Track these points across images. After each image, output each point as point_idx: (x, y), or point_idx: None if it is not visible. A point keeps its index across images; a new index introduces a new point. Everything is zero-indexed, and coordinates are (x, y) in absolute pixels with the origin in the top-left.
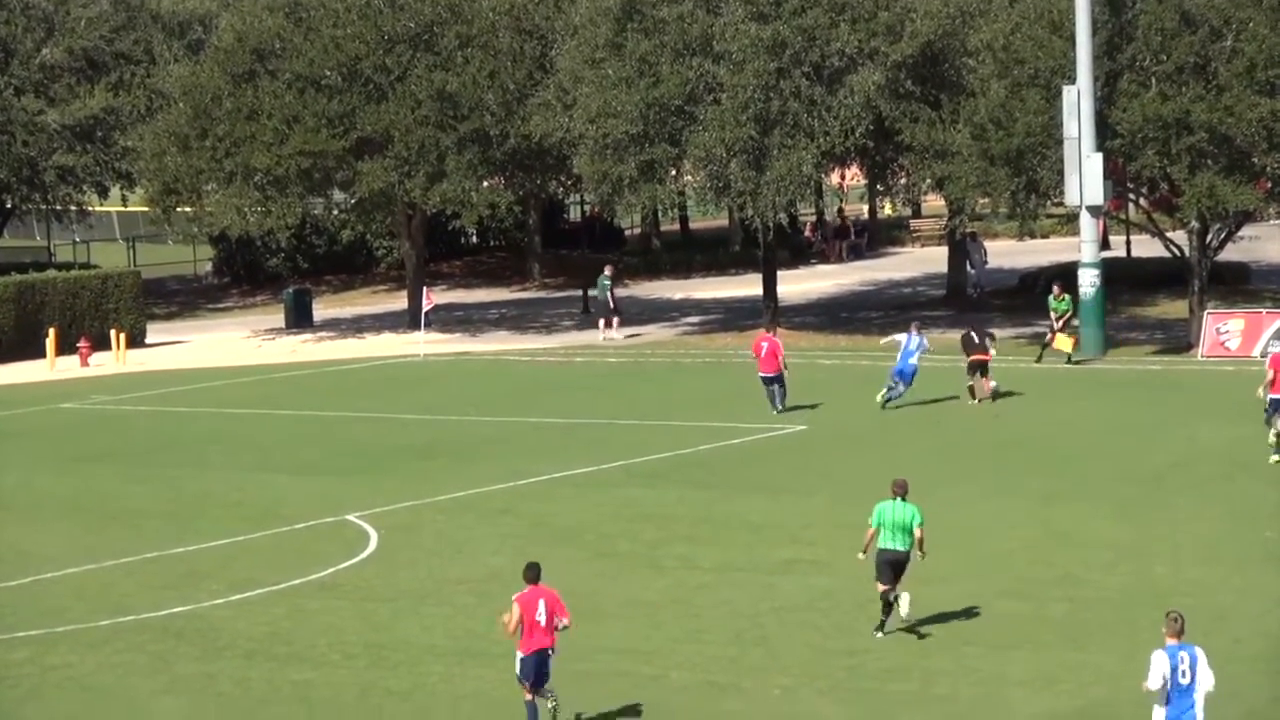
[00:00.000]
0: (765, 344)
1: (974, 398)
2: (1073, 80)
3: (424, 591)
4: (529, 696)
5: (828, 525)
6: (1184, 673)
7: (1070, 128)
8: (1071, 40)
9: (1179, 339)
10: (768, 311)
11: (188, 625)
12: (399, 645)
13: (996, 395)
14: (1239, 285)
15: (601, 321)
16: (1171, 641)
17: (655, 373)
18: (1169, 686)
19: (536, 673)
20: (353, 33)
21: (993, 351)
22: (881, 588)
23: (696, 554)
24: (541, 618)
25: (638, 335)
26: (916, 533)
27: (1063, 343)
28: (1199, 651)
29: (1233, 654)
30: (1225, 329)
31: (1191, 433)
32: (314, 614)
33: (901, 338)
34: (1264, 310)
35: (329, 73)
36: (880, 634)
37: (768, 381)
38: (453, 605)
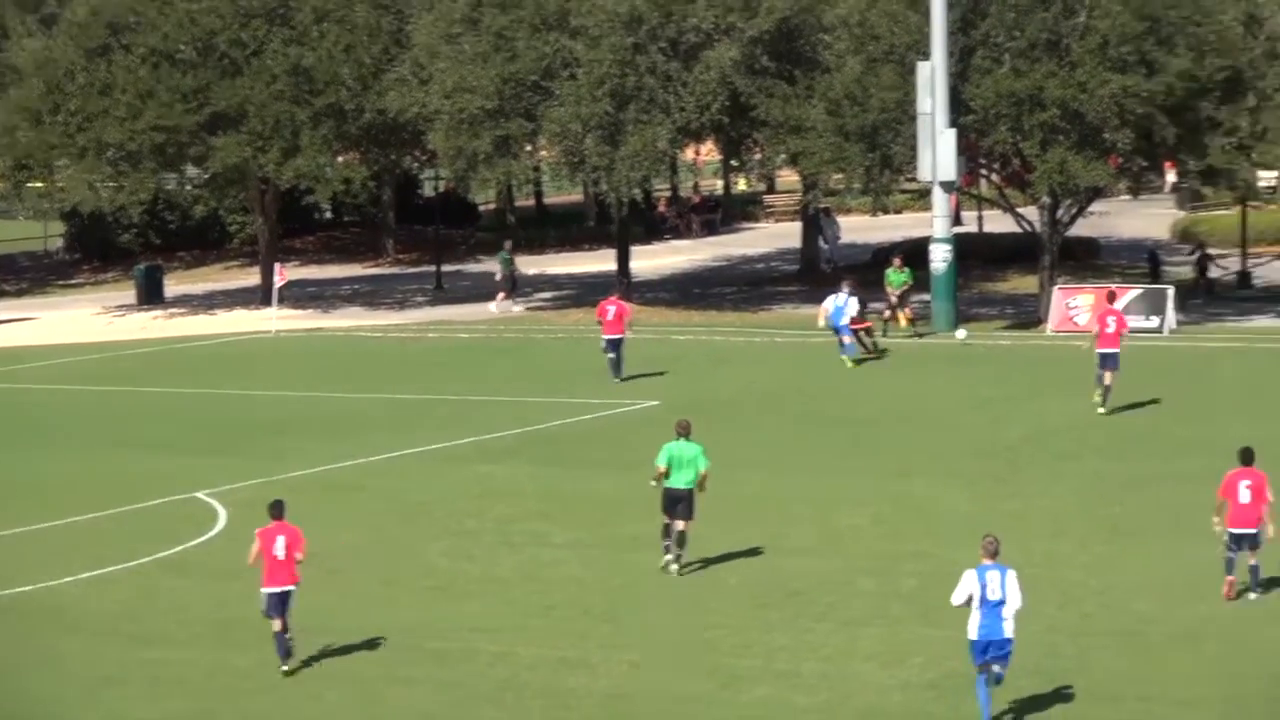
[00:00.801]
0: (613, 307)
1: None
2: (927, 56)
3: None
4: (276, 629)
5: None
6: (993, 590)
7: (924, 103)
8: (926, 16)
9: (1029, 314)
10: (620, 284)
11: (37, 604)
12: (247, 624)
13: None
14: (1089, 261)
15: (500, 295)
16: (985, 562)
17: (508, 348)
18: (978, 602)
19: (281, 607)
20: (208, 7)
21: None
22: (671, 522)
23: (547, 530)
24: (280, 552)
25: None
26: (701, 471)
27: (900, 319)
28: (1011, 572)
29: (1081, 629)
30: (1075, 304)
31: (1041, 407)
32: (163, 592)
33: (830, 302)
34: (1113, 286)
35: (184, 47)
36: (674, 565)
37: (612, 345)
38: (302, 583)
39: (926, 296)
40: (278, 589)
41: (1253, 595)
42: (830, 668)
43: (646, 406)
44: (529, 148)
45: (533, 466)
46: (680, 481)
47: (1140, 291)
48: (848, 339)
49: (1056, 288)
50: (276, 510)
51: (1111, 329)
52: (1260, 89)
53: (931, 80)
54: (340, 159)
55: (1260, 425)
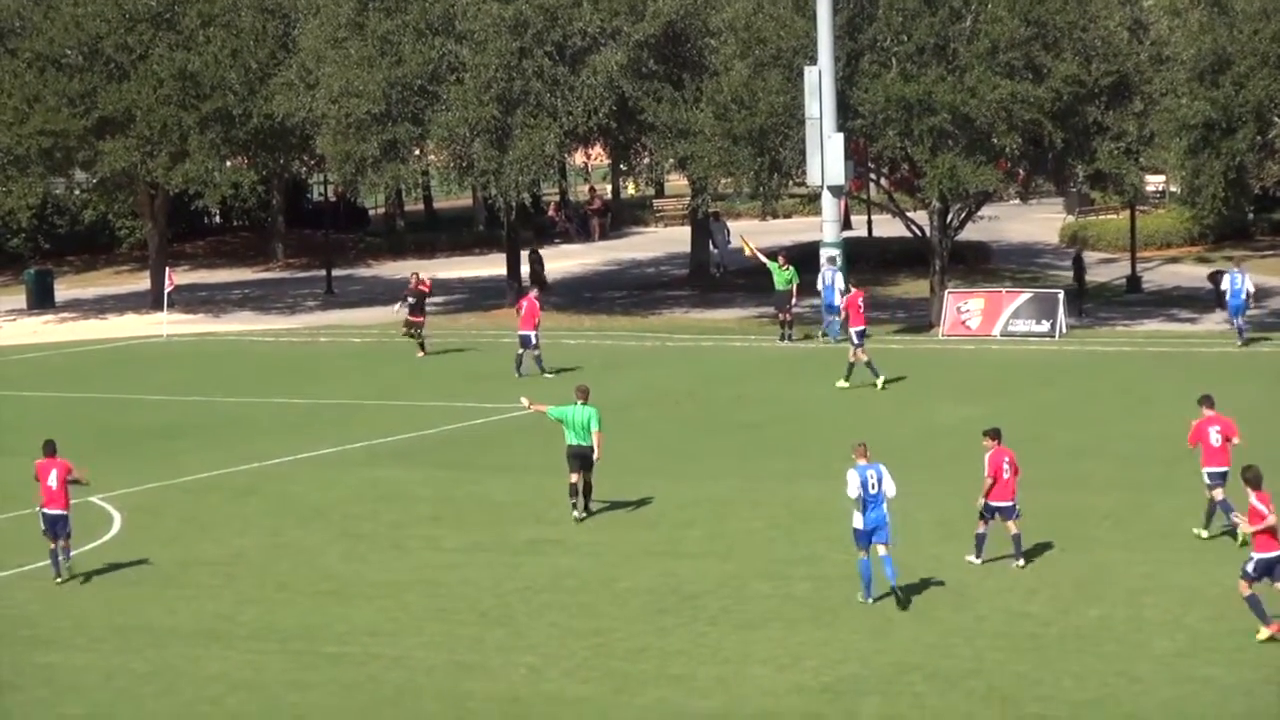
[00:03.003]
0: (525, 303)
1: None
2: (814, 60)
3: (168, 574)
4: (52, 546)
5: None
6: (872, 485)
7: (812, 108)
8: (813, 20)
9: (920, 318)
10: (511, 291)
11: None
12: (143, 628)
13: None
14: (980, 265)
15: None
16: (861, 462)
17: (399, 353)
18: (864, 497)
19: (55, 529)
20: (94, 11)
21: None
22: (573, 477)
23: (440, 534)
24: (54, 483)
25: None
26: (595, 435)
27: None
28: (883, 468)
29: (976, 630)
30: (966, 308)
31: (930, 410)
32: (59, 597)
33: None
34: (1003, 290)
35: (70, 51)
36: (578, 515)
37: (524, 342)
38: (196, 587)
39: (817, 301)
40: (52, 511)
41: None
42: (726, 671)
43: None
44: (417, 152)
45: (425, 470)
46: (580, 439)
47: (1030, 296)
48: (834, 317)
49: (947, 292)
50: (49, 448)
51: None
52: (1146, 93)
53: (819, 85)
54: (229, 163)
55: (1148, 425)
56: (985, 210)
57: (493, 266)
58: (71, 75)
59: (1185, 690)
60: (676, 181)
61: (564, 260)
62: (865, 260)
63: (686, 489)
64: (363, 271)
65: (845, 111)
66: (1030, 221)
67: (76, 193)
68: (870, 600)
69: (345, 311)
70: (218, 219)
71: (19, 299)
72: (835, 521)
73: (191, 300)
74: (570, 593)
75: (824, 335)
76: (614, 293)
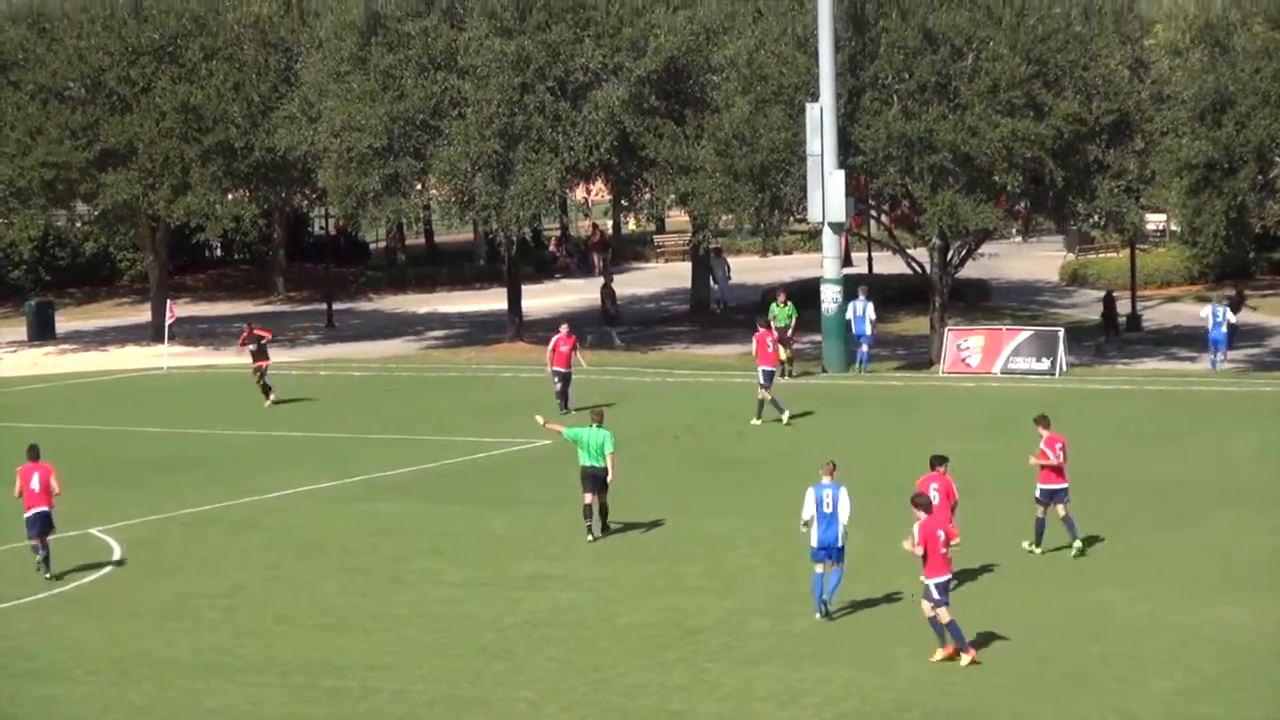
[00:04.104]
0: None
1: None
2: (816, 97)
3: (167, 606)
4: (34, 544)
5: (572, 540)
6: (828, 504)
7: (813, 144)
8: (815, 57)
9: (920, 355)
10: (512, 325)
11: None
12: (142, 660)
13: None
14: (980, 302)
15: None
16: (824, 480)
17: (400, 387)
18: (816, 514)
19: (40, 527)
20: (96, 44)
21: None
22: (587, 498)
23: (440, 568)
24: (36, 486)
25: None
26: (609, 457)
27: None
28: (842, 490)
29: (976, 668)
30: (966, 345)
31: (932, 448)
32: (58, 629)
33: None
34: (1004, 327)
35: (72, 84)
36: (591, 537)
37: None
38: (196, 619)
39: (818, 337)
40: (36, 510)
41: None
42: (726, 708)
43: (538, 446)
44: (418, 186)
45: (424, 504)
46: (594, 460)
47: (1031, 333)
48: (865, 346)
49: (948, 329)
50: (33, 453)
51: (1055, 460)
52: (1147, 132)
53: (820, 121)
54: (230, 196)
55: (1148, 464)
56: (985, 248)
57: (493, 301)
58: (74, 108)
59: None
60: (677, 217)
61: (564, 295)
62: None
63: (686, 524)
64: (363, 305)
65: (846, 148)
66: (1030, 259)
67: (78, 225)
68: (820, 615)
69: (346, 345)
70: (219, 252)
71: (20, 331)
72: None
73: (192, 333)
74: (570, 628)
75: (859, 367)
76: (613, 328)
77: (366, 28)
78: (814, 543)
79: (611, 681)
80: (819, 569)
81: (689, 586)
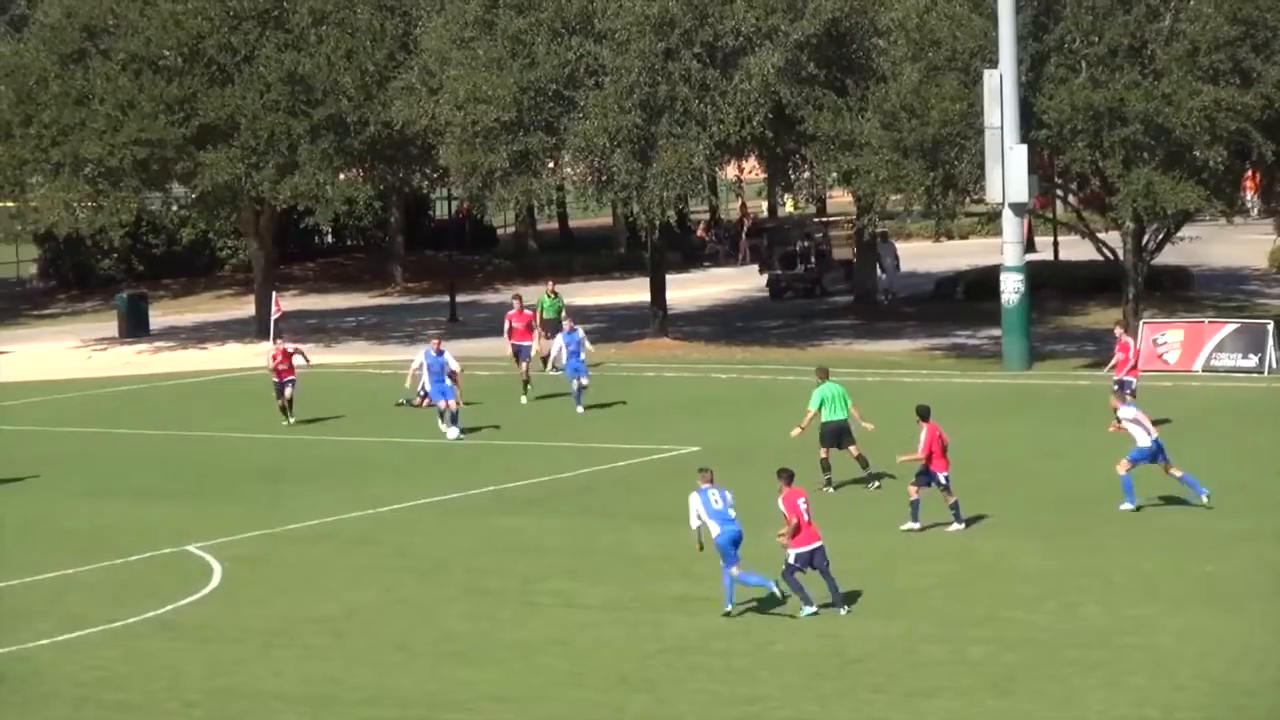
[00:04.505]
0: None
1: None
2: (995, 64)
3: (273, 631)
4: None
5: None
6: (716, 500)
7: (992, 116)
8: (993, 19)
9: (1111, 351)
10: (655, 320)
11: (8, 669)
12: (245, 692)
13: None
14: (1178, 292)
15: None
16: (704, 485)
17: (531, 389)
18: (708, 514)
19: None
20: (194, 8)
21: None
22: (823, 453)
23: (576, 590)
24: None
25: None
26: (853, 410)
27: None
28: (726, 491)
29: (1174, 703)
30: (1163, 340)
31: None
32: (150, 656)
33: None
34: (1205, 320)
35: (168, 53)
36: (831, 489)
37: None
38: (305, 647)
39: (997, 331)
40: None
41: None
42: None
43: (686, 453)
44: (551, 164)
45: (559, 519)
46: (837, 414)
47: (1236, 327)
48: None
49: (1143, 322)
50: None
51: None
52: None
53: (999, 91)
54: (342, 176)
55: None
56: (1185, 231)
57: (634, 292)
58: (170, 79)
59: None
60: (840, 198)
61: (714, 286)
62: (1051, 286)
63: (849, 539)
64: (490, 297)
65: (1028, 121)
66: (1235, 244)
67: (174, 209)
68: (730, 606)
69: (471, 341)
70: (330, 238)
71: (110, 326)
72: (1015, 578)
73: (300, 328)
74: (720, 656)
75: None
76: (769, 322)
77: None
78: (719, 539)
79: (765, 715)
80: (735, 570)
81: (852, 609)
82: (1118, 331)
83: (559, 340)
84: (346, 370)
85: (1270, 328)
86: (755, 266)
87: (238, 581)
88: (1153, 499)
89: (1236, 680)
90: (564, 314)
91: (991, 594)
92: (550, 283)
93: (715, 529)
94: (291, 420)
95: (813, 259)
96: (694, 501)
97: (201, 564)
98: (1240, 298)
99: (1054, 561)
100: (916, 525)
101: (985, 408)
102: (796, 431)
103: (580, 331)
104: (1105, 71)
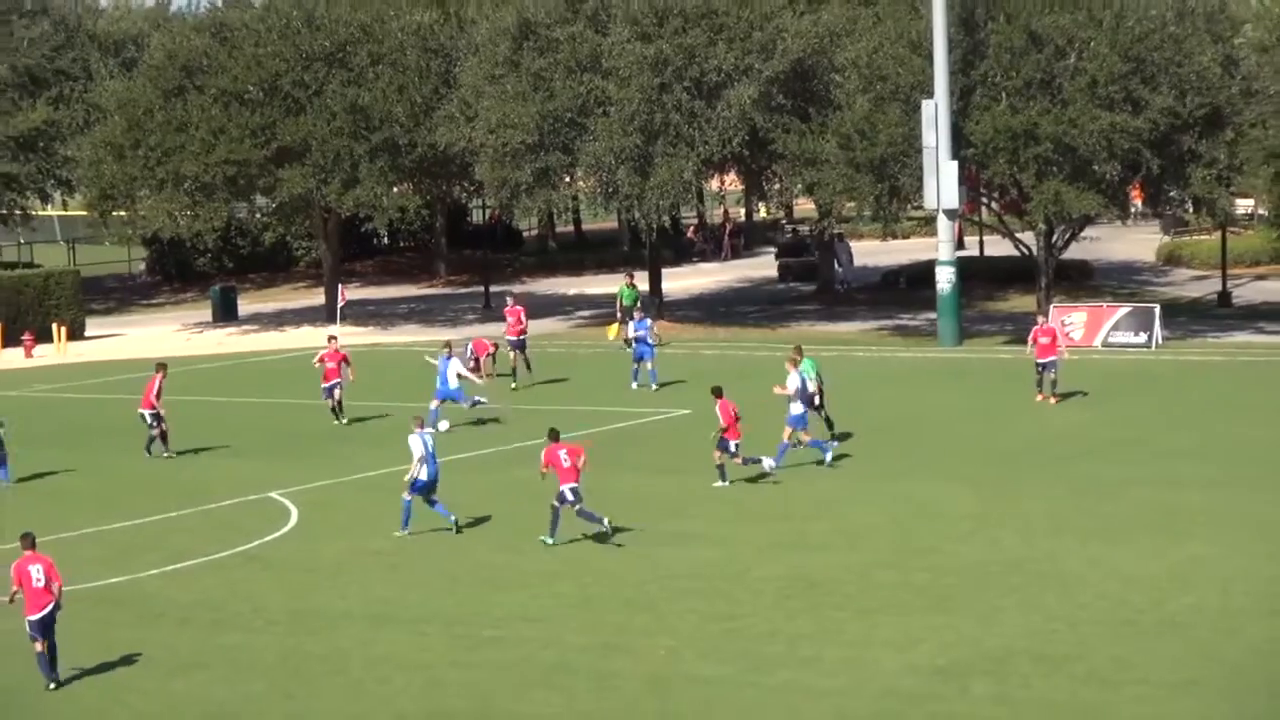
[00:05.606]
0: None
1: None
2: (930, 95)
3: (340, 562)
4: (40, 649)
5: (708, 501)
6: (431, 445)
7: (928, 138)
8: (929, 58)
9: (1027, 331)
10: (653, 306)
11: (125, 594)
12: (317, 612)
13: None
14: (1083, 281)
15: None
16: (416, 429)
17: (549, 362)
18: (427, 457)
19: (41, 630)
20: (273, 51)
21: None
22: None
23: (586, 528)
24: (39, 581)
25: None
26: (811, 385)
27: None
28: (429, 435)
29: (1078, 617)
30: (1069, 321)
31: (1039, 417)
32: (240, 583)
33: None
34: (1104, 304)
35: (251, 88)
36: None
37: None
38: (367, 575)
39: (933, 315)
40: (37, 615)
41: None
42: (850, 653)
43: (679, 415)
44: (567, 179)
45: None
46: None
47: (1129, 310)
48: None
49: (1052, 306)
50: (27, 541)
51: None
52: (1237, 124)
53: (935, 117)
54: (395, 189)
55: (1241, 429)
56: (1087, 231)
57: (637, 283)
58: (253, 110)
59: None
60: (804, 205)
61: (700, 278)
62: (977, 277)
63: (813, 487)
64: (517, 288)
65: (959, 141)
66: (1128, 241)
67: (257, 216)
68: (405, 531)
69: (502, 324)
70: (385, 240)
71: (205, 313)
72: (950, 518)
73: (362, 314)
74: (707, 580)
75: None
76: (746, 307)
77: (519, 34)
78: (423, 477)
79: (745, 630)
80: (419, 498)
81: (816, 543)
82: (1040, 320)
83: (631, 325)
84: (401, 348)
85: (1157, 310)
86: (731, 261)
87: (311, 522)
88: (1070, 452)
89: (1129, 599)
90: (639, 303)
91: (931, 530)
92: (630, 274)
93: (425, 471)
94: (344, 420)
95: (814, 251)
96: (416, 444)
97: (281, 508)
98: (1133, 286)
99: (982, 504)
100: (725, 483)
101: (923, 378)
102: (779, 390)
103: (649, 320)
104: (1022, 100)
